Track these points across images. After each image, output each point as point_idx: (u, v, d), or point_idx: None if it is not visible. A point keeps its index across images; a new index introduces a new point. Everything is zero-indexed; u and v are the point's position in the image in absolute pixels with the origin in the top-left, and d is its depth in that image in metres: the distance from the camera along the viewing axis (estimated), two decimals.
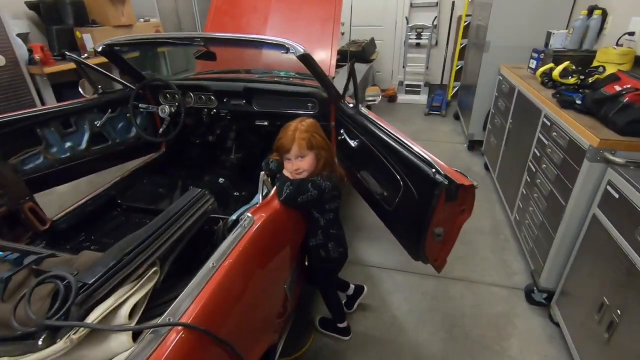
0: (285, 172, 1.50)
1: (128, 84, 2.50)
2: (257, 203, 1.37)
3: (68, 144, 2.25)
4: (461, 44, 5.21)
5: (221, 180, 2.32)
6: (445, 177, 1.32)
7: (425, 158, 1.43)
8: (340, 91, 2.18)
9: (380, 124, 1.80)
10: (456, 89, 5.59)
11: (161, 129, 2.42)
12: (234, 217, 1.40)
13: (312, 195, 1.44)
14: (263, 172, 1.45)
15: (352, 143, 1.97)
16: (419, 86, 5.88)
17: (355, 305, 2.08)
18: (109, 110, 2.38)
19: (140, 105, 2.41)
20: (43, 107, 2.12)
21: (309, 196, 1.44)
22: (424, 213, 1.42)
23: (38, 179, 2.11)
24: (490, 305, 2.04)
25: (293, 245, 1.55)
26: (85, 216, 2.12)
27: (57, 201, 2.95)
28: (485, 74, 3.51)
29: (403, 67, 5.84)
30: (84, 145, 2.32)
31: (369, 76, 3.85)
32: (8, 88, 2.99)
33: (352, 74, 1.85)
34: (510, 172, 2.71)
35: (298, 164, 1.44)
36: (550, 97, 2.08)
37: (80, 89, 2.37)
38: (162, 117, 2.41)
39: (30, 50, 3.32)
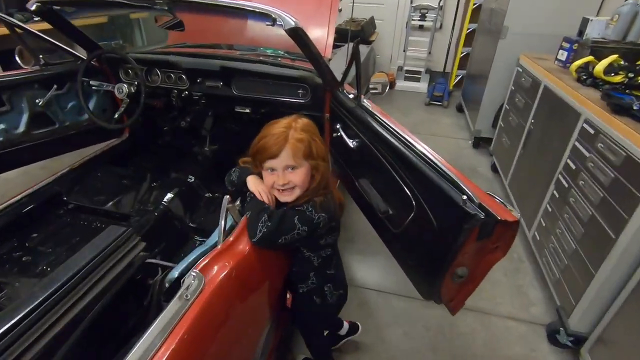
0: (258, 191, 1.09)
1: (79, 55, 2.05)
2: (215, 244, 0.95)
3: (1, 126, 1.82)
4: (468, 29, 4.81)
5: (191, 178, 1.93)
6: (481, 207, 0.97)
7: (451, 177, 1.08)
8: (338, 77, 1.79)
9: (388, 122, 1.43)
10: (459, 77, 5.21)
11: (117, 113, 2.00)
12: (174, 273, 0.95)
13: (300, 233, 1.05)
14: (227, 196, 1.01)
15: (350, 142, 1.60)
16: (419, 72, 5.47)
17: (343, 342, 1.75)
18: (55, 86, 1.94)
19: (91, 82, 1.97)
20: None
21: (296, 235, 1.04)
22: (446, 249, 1.08)
23: None
24: (506, 345, 1.73)
25: (271, 298, 1.19)
26: (18, 217, 1.71)
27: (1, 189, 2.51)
28: (500, 64, 3.14)
29: (404, 50, 5.41)
30: (22, 128, 1.89)
31: (369, 61, 3.44)
32: None
33: (355, 56, 1.46)
34: (529, 181, 2.38)
35: (288, 177, 1.05)
36: (592, 97, 1.72)
37: (17, 59, 1.91)
38: (119, 97, 1.98)
39: None
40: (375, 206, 1.44)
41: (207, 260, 0.83)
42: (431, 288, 1.22)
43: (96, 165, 2.15)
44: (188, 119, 2.38)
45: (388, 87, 1.67)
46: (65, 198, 1.91)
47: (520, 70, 2.73)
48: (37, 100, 1.90)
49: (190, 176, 1.93)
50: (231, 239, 0.95)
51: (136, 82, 1.98)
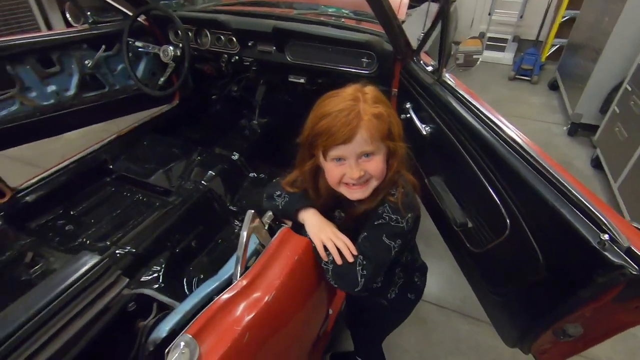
0: (322, 242, 0.82)
1: (129, 13, 1.90)
2: (229, 282, 0.69)
3: (51, 88, 1.76)
4: None
5: (235, 155, 1.74)
6: (630, 253, 0.63)
7: (576, 197, 0.73)
8: (414, 43, 1.43)
9: (478, 106, 1.08)
10: (555, 47, 4.37)
11: (162, 79, 1.84)
12: (164, 329, 0.67)
13: (397, 248, 0.82)
14: (251, 214, 0.70)
15: (423, 128, 1.28)
16: (505, 41, 4.70)
17: None
18: (103, 46, 1.82)
19: (136, 42, 1.82)
20: (11, 37, 1.60)
21: (393, 254, 0.82)
22: (555, 297, 0.77)
23: (15, 129, 1.67)
24: None
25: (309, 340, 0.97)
26: (63, 185, 1.67)
27: (64, 149, 2.58)
28: (623, 31, 2.45)
29: (489, 14, 4.64)
30: (72, 90, 1.83)
31: (451, 24, 2.89)
32: (6, 9, 2.53)
33: (443, 16, 1.10)
34: None
35: (364, 167, 0.78)
36: None
37: (67, 16, 1.81)
38: (164, 62, 1.82)
39: None
40: (450, 215, 1.12)
41: (208, 316, 0.57)
42: (520, 337, 0.91)
43: (144, 133, 2.05)
44: (239, 87, 2.19)
45: (480, 58, 1.28)
46: (111, 166, 1.84)
47: None
48: (86, 62, 1.81)
49: (234, 153, 1.74)
50: (247, 280, 0.64)
51: (181, 45, 1.79)
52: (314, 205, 0.90)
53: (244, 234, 0.63)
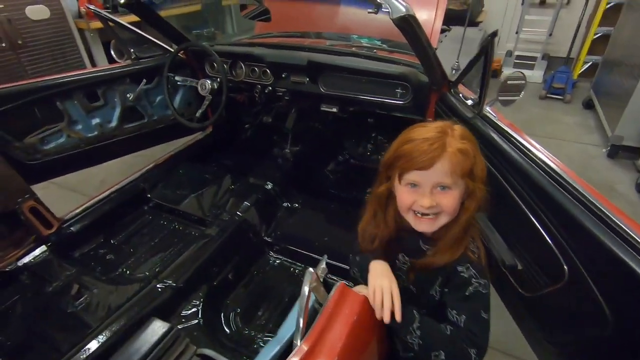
0: (374, 290, 0.79)
1: (169, 48, 1.99)
2: (289, 346, 0.67)
3: (96, 120, 1.85)
4: (608, 3, 3.84)
5: (269, 185, 1.75)
6: None
7: None
8: (448, 71, 1.42)
9: (524, 143, 1.05)
10: (588, 65, 4.25)
11: (199, 111, 1.90)
12: None
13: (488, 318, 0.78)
14: (310, 274, 0.68)
15: None
16: (534, 59, 4.60)
17: None
18: (144, 80, 1.91)
19: (176, 77, 1.89)
20: (62, 75, 1.70)
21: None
22: None
23: (62, 160, 1.76)
24: None
25: None
26: (104, 214, 1.73)
27: (102, 174, 2.69)
28: None
29: (516, 32, 4.58)
30: (114, 122, 1.91)
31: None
32: (54, 45, 2.71)
33: (486, 51, 1.09)
34: None
35: (437, 199, 0.75)
36: None
37: (112, 53, 1.92)
38: (202, 94, 1.88)
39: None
40: (497, 255, 1.08)
41: None
42: None
43: (179, 161, 2.11)
44: (271, 115, 2.24)
45: (524, 90, 1.25)
46: (148, 195, 1.90)
47: None
48: (127, 95, 1.90)
49: (268, 182, 1.76)
50: (308, 345, 0.59)
51: (218, 79, 1.85)
52: (380, 246, 0.88)
53: (305, 293, 0.61)
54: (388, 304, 0.75)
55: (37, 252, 1.50)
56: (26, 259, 1.46)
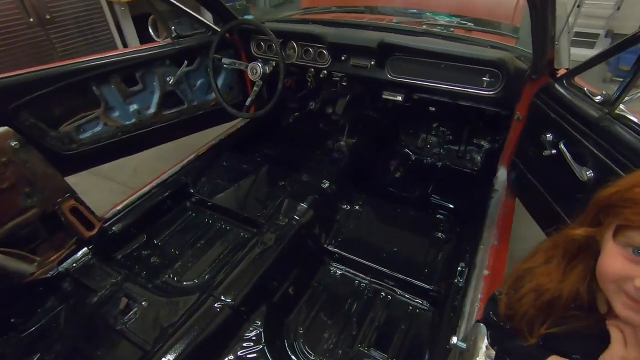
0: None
1: (212, 26, 1.77)
2: None
3: (134, 107, 1.68)
4: None
5: (325, 183, 1.56)
6: None
7: None
8: (562, 60, 1.17)
9: None
10: None
11: (249, 100, 1.69)
12: None
13: None
14: None
15: (582, 172, 1.02)
16: (595, 36, 4.15)
17: None
18: (185, 62, 1.71)
19: (223, 59, 1.68)
20: (98, 56, 1.52)
21: None
22: None
23: (98, 150, 1.61)
24: None
25: None
26: (146, 211, 1.58)
27: (135, 161, 2.55)
28: None
29: (577, 5, 4.11)
30: (153, 108, 1.74)
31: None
32: (82, 20, 2.51)
33: None
34: None
35: None
36: None
37: (150, 30, 1.71)
38: (252, 79, 1.67)
39: None
40: None
41: None
42: None
43: (222, 151, 1.94)
44: (319, 101, 2.01)
45: None
46: (191, 190, 1.74)
47: None
48: (167, 78, 1.71)
49: (324, 180, 1.57)
50: None
51: (272, 62, 1.63)
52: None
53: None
54: None
55: (79, 255, 1.37)
56: (67, 264, 1.33)
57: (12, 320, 1.18)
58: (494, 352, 0.49)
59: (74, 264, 1.34)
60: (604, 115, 1.00)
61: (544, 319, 0.54)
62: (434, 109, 1.87)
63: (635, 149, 0.89)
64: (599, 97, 1.04)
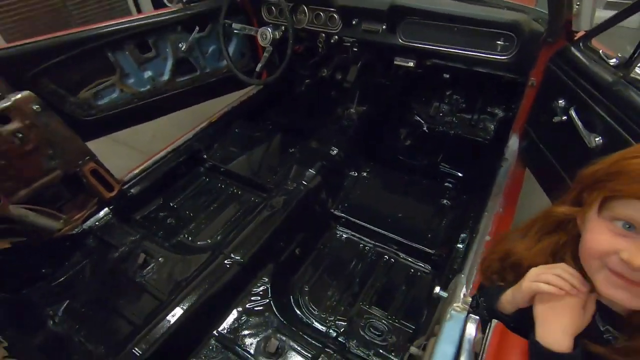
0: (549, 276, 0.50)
1: None
2: None
3: (148, 74, 1.72)
4: None
5: (334, 150, 1.58)
6: None
7: None
8: (582, 22, 1.12)
9: None
10: None
11: (259, 66, 1.70)
12: None
13: None
14: (476, 320, 0.47)
15: (591, 138, 1.00)
16: None
17: None
18: (197, 28, 1.72)
19: (233, 25, 1.68)
20: (112, 22, 1.54)
21: None
22: None
23: (115, 116, 1.67)
24: None
25: None
26: (163, 175, 1.66)
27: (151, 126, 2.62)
28: None
29: None
30: (166, 75, 1.77)
31: None
32: None
33: None
34: None
35: None
36: None
37: None
38: (262, 45, 1.66)
39: None
40: None
41: None
42: None
43: (233, 119, 1.97)
44: (330, 68, 1.99)
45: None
46: (205, 156, 1.80)
47: None
48: (180, 45, 1.73)
49: (333, 148, 1.59)
50: None
51: (282, 28, 1.62)
52: None
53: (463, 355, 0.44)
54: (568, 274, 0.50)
55: (101, 214, 1.47)
56: (91, 222, 1.43)
57: (42, 270, 1.29)
58: (470, 299, 0.53)
59: (97, 223, 1.44)
60: (618, 79, 0.97)
61: (507, 276, 0.59)
62: (448, 76, 1.82)
63: None
64: (614, 60, 1.00)
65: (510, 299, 0.55)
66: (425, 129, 1.93)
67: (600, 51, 1.04)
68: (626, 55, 0.97)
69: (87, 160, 1.38)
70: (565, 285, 0.49)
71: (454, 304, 0.52)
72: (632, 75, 0.95)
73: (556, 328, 0.48)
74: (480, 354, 0.46)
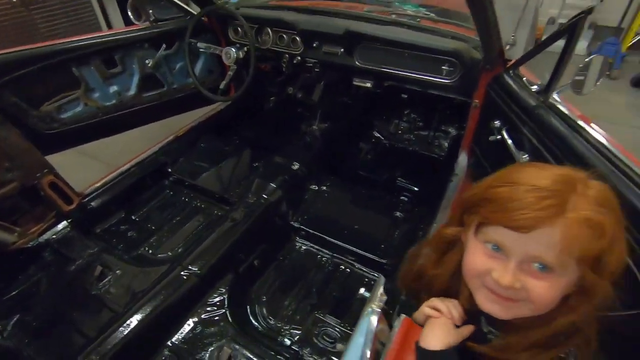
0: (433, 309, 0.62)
1: (190, 10, 1.82)
2: None
3: (114, 88, 1.74)
4: None
5: (295, 165, 1.65)
6: None
7: None
8: (518, 51, 1.25)
9: (606, 143, 0.91)
10: (639, 37, 3.87)
11: (223, 83, 1.76)
12: None
13: None
14: (379, 313, 0.57)
15: (519, 155, 1.11)
16: None
17: None
18: (163, 45, 1.77)
19: (198, 44, 1.74)
20: (78, 38, 1.57)
21: None
22: None
23: (79, 130, 1.67)
24: None
25: None
26: (125, 189, 1.67)
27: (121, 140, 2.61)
28: None
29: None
30: (133, 90, 1.80)
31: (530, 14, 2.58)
32: (67, 2, 2.54)
33: (573, 32, 0.92)
34: None
35: (525, 281, 0.49)
36: None
37: (129, 13, 1.76)
38: (227, 64, 1.73)
39: None
40: None
41: None
42: None
43: (200, 134, 2.02)
44: (296, 87, 2.08)
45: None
46: (169, 170, 1.82)
47: None
48: (146, 61, 1.77)
49: (294, 163, 1.66)
50: None
51: (246, 48, 1.69)
52: None
53: (370, 338, 0.51)
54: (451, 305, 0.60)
55: (59, 227, 1.46)
56: (47, 235, 1.42)
57: None
58: (385, 297, 0.60)
59: (54, 236, 1.43)
60: (540, 104, 1.09)
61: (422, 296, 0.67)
62: (405, 96, 1.95)
63: (562, 137, 0.98)
64: (535, 86, 1.12)
65: (417, 317, 0.64)
66: (385, 145, 2.04)
67: (524, 78, 1.16)
68: (544, 83, 1.09)
69: (45, 173, 1.38)
70: (443, 309, 0.60)
71: (372, 303, 0.58)
72: (550, 100, 1.08)
73: (433, 337, 0.58)
74: (387, 343, 0.52)
